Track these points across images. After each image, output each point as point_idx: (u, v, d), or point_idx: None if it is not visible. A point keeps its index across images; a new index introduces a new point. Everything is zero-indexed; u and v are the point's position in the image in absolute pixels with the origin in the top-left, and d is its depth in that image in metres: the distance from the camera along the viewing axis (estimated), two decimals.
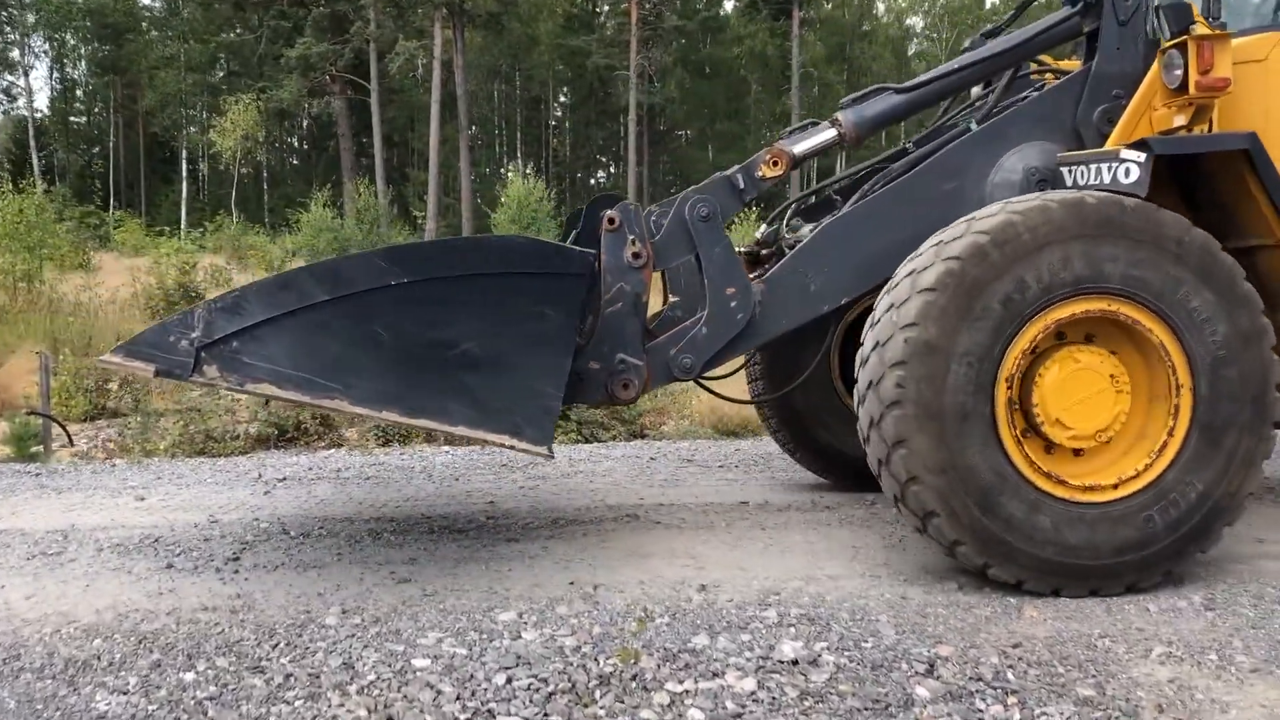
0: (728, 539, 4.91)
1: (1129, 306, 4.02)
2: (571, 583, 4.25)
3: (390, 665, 3.36)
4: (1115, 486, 4.06)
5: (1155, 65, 4.62)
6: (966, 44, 5.56)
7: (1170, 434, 4.08)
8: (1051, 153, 4.71)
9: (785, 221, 5.45)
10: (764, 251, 5.15)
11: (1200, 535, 4.11)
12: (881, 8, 63.06)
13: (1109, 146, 4.52)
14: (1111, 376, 4.09)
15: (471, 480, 6.32)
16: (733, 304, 4.50)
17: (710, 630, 3.72)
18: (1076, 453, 4.15)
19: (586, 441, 7.84)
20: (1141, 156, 4.27)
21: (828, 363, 5.74)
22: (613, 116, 63.95)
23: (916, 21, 65.83)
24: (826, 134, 4.88)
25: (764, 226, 5.50)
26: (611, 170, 71.08)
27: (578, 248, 4.18)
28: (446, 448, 7.61)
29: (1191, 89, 4.39)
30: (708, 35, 60.52)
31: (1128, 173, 4.27)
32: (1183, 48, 4.42)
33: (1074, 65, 5.22)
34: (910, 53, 65.11)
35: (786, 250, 4.80)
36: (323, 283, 3.70)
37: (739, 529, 5.09)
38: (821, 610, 3.92)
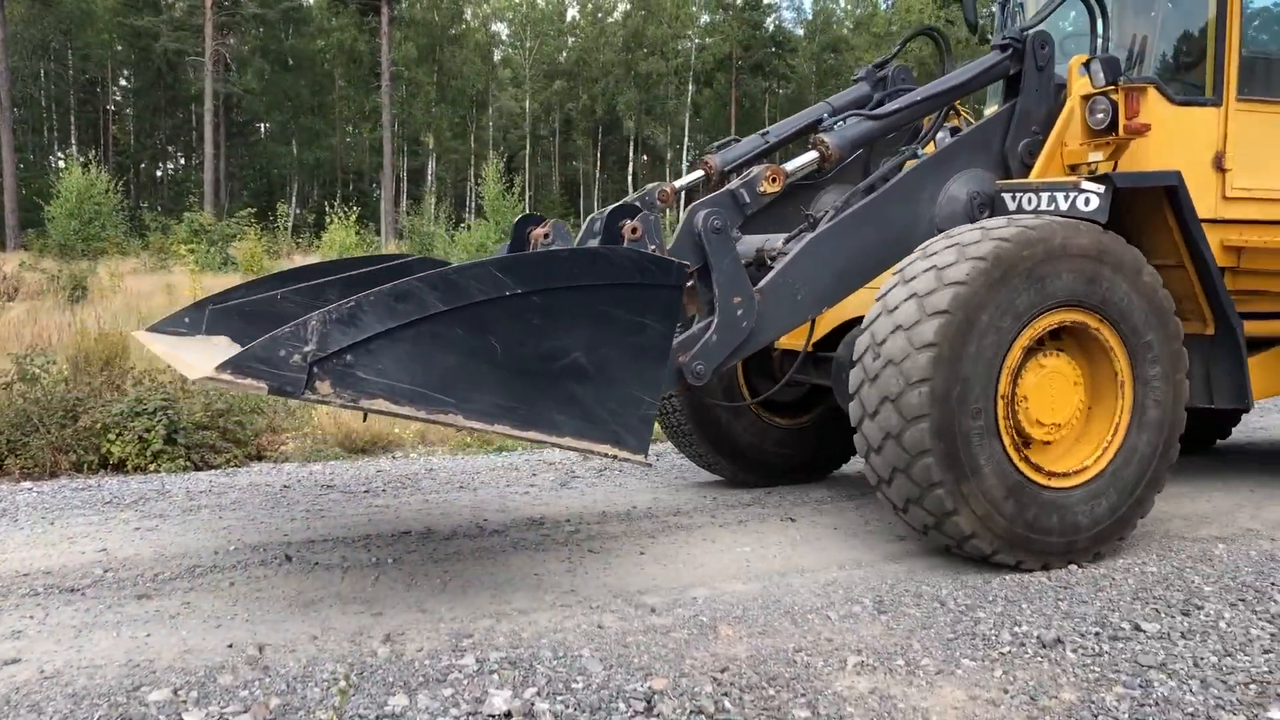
0: (400, 576, 4.50)
1: (1090, 317, 4.70)
2: (230, 645, 3.68)
3: None
4: (1077, 472, 4.72)
5: (1067, 106, 5.42)
6: (860, 74, 6.24)
7: (1115, 427, 4.80)
8: (987, 179, 5.35)
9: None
10: (770, 260, 5.12)
11: (1140, 505, 4.86)
12: (469, 13, 63.31)
13: (1036, 178, 5.28)
14: (1074, 381, 4.78)
15: (72, 524, 5.38)
16: (739, 312, 4.69)
17: (406, 688, 3.34)
18: (1045, 444, 4.76)
19: (198, 468, 6.99)
20: (1101, 188, 4.90)
21: (736, 370, 6.19)
22: (184, 105, 59.34)
23: (502, 29, 66.95)
24: (809, 155, 5.21)
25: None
26: (183, 162, 65.91)
27: (675, 259, 4.26)
28: (26, 484, 6.46)
29: (1120, 131, 5.17)
30: (290, 26, 57.67)
31: (1088, 201, 4.90)
32: (1107, 95, 5.20)
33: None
34: (496, 58, 66.04)
35: (769, 261, 5.03)
36: (439, 293, 3.55)
37: (410, 563, 4.69)
38: (521, 650, 3.66)
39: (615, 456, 3.94)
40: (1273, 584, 4.49)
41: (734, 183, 5.02)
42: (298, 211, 53.87)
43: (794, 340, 5.71)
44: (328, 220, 21.63)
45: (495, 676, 3.44)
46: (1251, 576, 4.59)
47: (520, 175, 48.41)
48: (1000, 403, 4.50)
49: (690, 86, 60.79)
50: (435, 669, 3.49)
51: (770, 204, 5.09)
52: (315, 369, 3.40)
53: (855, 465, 7.11)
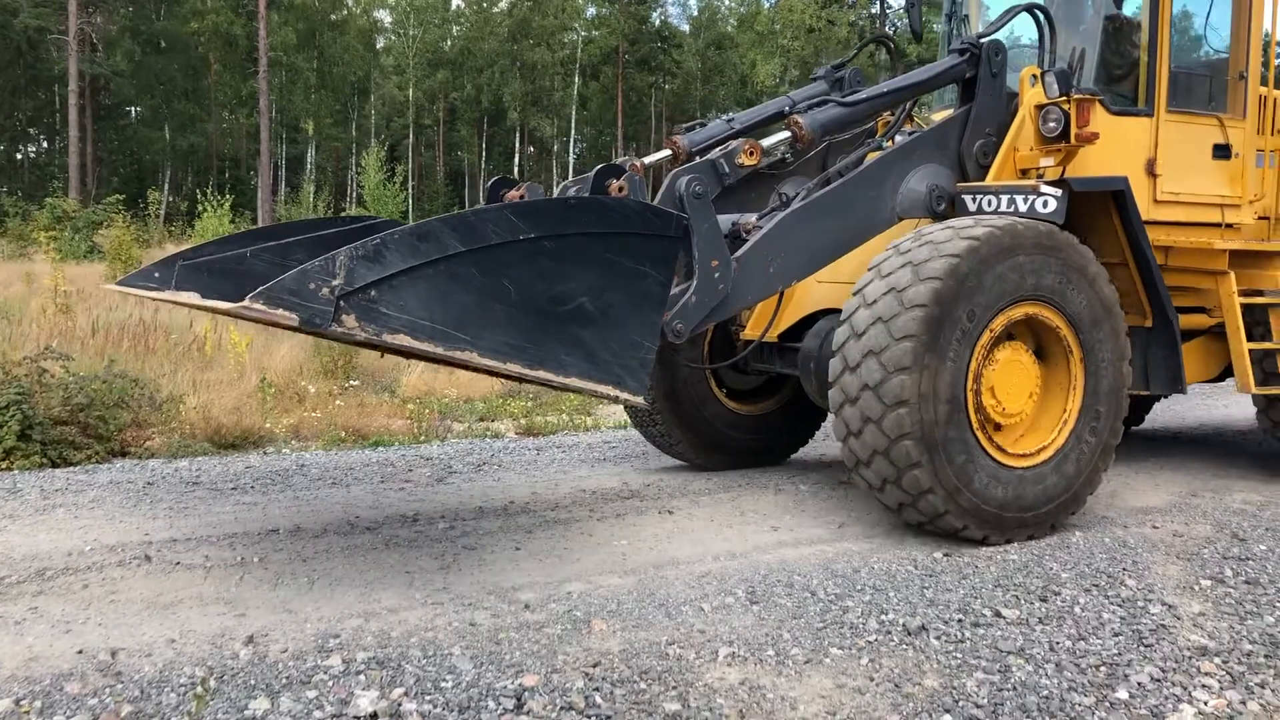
0: (266, 576, 4.37)
1: (1049, 310, 5.09)
2: (80, 651, 3.52)
3: None
4: (1036, 453, 5.13)
5: (1020, 115, 5.85)
6: (819, 73, 6.54)
7: (1067, 412, 5.21)
8: (944, 174, 5.73)
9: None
10: (745, 234, 5.31)
11: (1090, 482, 5.27)
12: None
13: (992, 181, 5.70)
14: (1032, 370, 5.16)
15: None
16: (715, 275, 4.84)
17: (269, 690, 3.25)
18: (1007, 427, 5.14)
19: (55, 465, 6.68)
20: (1058, 192, 5.36)
21: (703, 355, 6.56)
22: (46, 85, 56.61)
23: (385, 16, 65.68)
24: (783, 134, 5.54)
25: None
26: (45, 145, 62.91)
27: (675, 211, 4.48)
28: None
29: (1072, 138, 5.63)
30: (162, 6, 55.51)
31: (1046, 204, 5.34)
32: (1059, 105, 5.67)
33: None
34: (379, 46, 64.75)
35: (744, 234, 5.23)
36: (458, 234, 3.66)
37: (277, 562, 4.56)
38: (390, 650, 3.59)
39: (616, 398, 4.14)
40: (1124, 569, 4.68)
41: (714, 153, 5.22)
42: (171, 199, 51.92)
43: (756, 330, 6.33)
44: (199, 209, 20.83)
45: (362, 677, 3.37)
46: (1105, 562, 4.78)
47: (403, 164, 47.49)
48: (970, 390, 4.87)
49: (577, 79, 60.63)
50: (299, 670, 3.40)
51: (732, 191, 5.35)
52: (342, 303, 3.47)
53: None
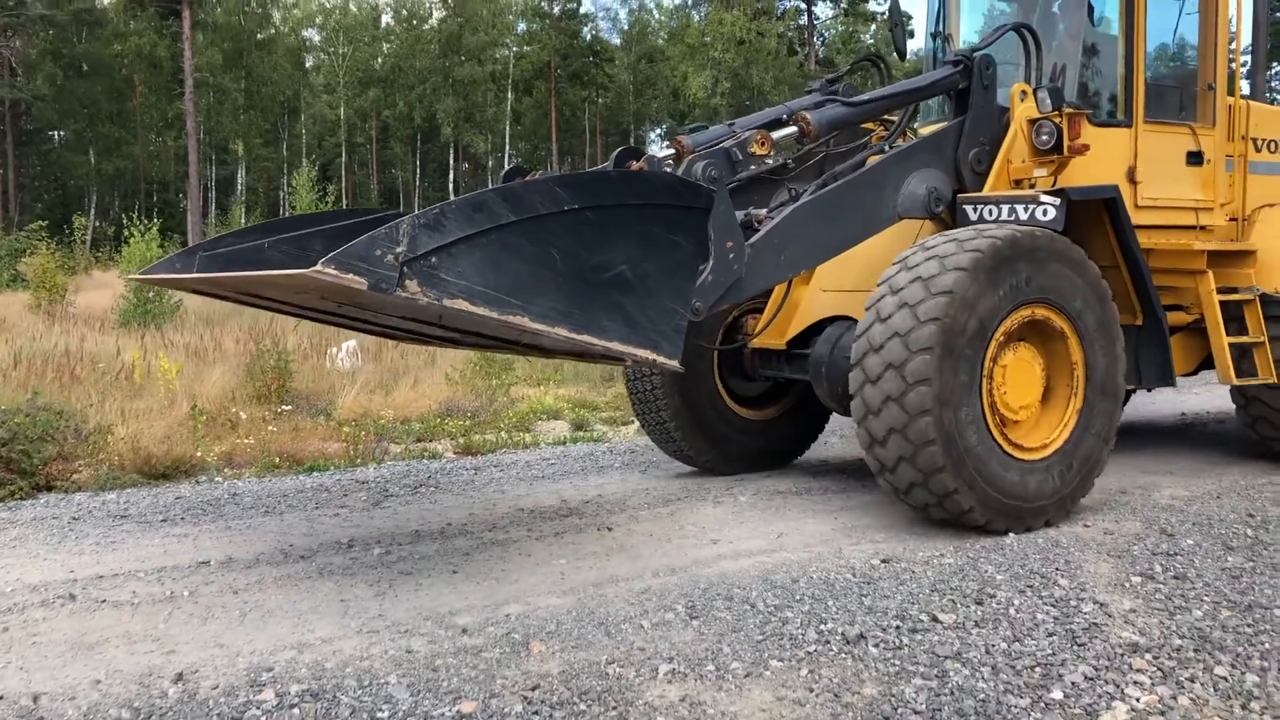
0: (197, 610, 4.27)
1: (1052, 311, 5.42)
2: (1, 696, 3.41)
3: None
4: (1044, 446, 5.46)
5: (1012, 128, 6.19)
6: (813, 86, 6.66)
7: (1071, 407, 5.54)
8: (941, 178, 6.06)
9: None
10: (756, 225, 5.51)
11: (1093, 470, 5.63)
12: (278, 17, 61.14)
13: (990, 191, 6.06)
14: (1037, 367, 5.48)
15: None
16: (730, 256, 5.03)
17: None
18: (1017, 423, 5.43)
19: None
20: (1058, 201, 5.72)
21: (712, 364, 6.94)
22: None
23: (314, 34, 64.96)
24: (792, 128, 5.81)
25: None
26: None
27: (704, 185, 4.81)
28: None
29: (1065, 150, 6.03)
30: (83, 29, 54.36)
31: (1045, 212, 5.69)
32: (1050, 119, 6.06)
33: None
34: (309, 64, 64.05)
35: (756, 225, 5.43)
36: (509, 205, 3.84)
37: (207, 595, 4.46)
38: (324, 681, 3.53)
39: (654, 361, 4.32)
40: (1057, 569, 4.75)
41: (727, 142, 5.45)
42: (97, 224, 50.85)
43: (766, 339, 6.69)
44: (126, 234, 20.37)
45: (296, 711, 3.30)
46: (1039, 563, 4.84)
47: (335, 183, 46.98)
48: (985, 390, 5.20)
49: (510, 94, 60.46)
50: (231, 707, 3.32)
51: (734, 193, 5.51)
52: (405, 269, 3.61)
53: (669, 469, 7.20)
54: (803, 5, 58.44)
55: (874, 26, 58.79)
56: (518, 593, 4.52)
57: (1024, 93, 6.27)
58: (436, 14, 62.17)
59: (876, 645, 3.85)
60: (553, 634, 3.99)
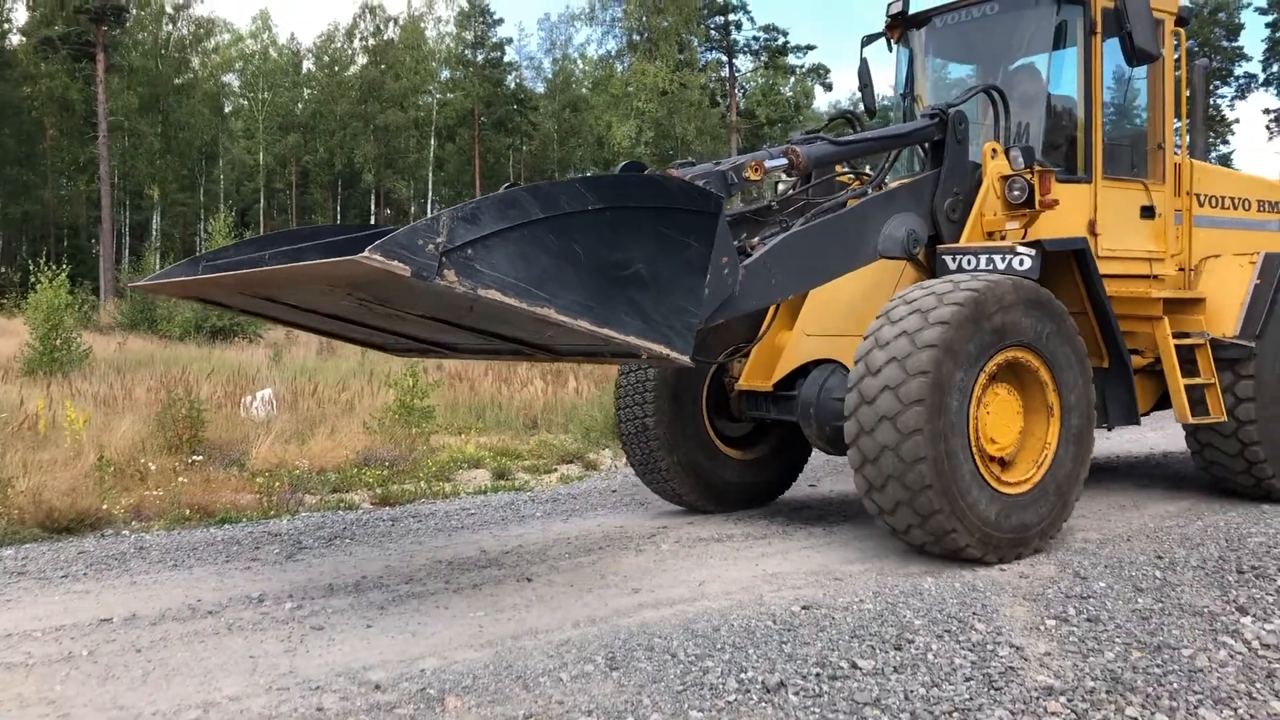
0: (95, 670, 4.10)
1: (1030, 354, 5.75)
2: None
3: None
4: (1024, 481, 5.77)
5: (985, 184, 6.59)
6: (797, 135, 6.77)
7: (1047, 444, 5.86)
8: (918, 222, 6.38)
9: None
10: (750, 250, 5.77)
11: (1067, 505, 5.96)
12: (196, 62, 60.34)
13: (966, 243, 6.44)
14: (1016, 407, 5.81)
15: None
16: (725, 271, 5.17)
17: None
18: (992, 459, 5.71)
19: None
20: (1034, 251, 6.10)
21: (701, 406, 7.23)
22: None
23: (233, 79, 64.28)
24: (782, 160, 6.00)
25: None
26: None
27: (712, 190, 5.08)
28: None
29: (1037, 205, 6.43)
30: None
31: (1022, 262, 6.08)
32: (1022, 176, 6.46)
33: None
34: (227, 110, 63.30)
35: (749, 250, 5.70)
36: (538, 202, 4.04)
37: (108, 655, 4.28)
38: None
39: (667, 356, 4.49)
40: (974, 613, 4.79)
41: (723, 165, 5.79)
42: (2, 270, 49.41)
43: (752, 382, 7.04)
44: (33, 280, 19.76)
45: None
46: (956, 607, 4.88)
47: (254, 229, 46.29)
48: (972, 428, 5.49)
49: (432, 140, 60.39)
50: None
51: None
52: (444, 259, 3.77)
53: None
54: (724, 58, 59.47)
55: (792, 79, 60.07)
56: (434, 647, 4.42)
57: (994, 150, 6.67)
58: (359, 60, 62.01)
59: (797, 693, 3.84)
60: (469, 689, 3.90)
